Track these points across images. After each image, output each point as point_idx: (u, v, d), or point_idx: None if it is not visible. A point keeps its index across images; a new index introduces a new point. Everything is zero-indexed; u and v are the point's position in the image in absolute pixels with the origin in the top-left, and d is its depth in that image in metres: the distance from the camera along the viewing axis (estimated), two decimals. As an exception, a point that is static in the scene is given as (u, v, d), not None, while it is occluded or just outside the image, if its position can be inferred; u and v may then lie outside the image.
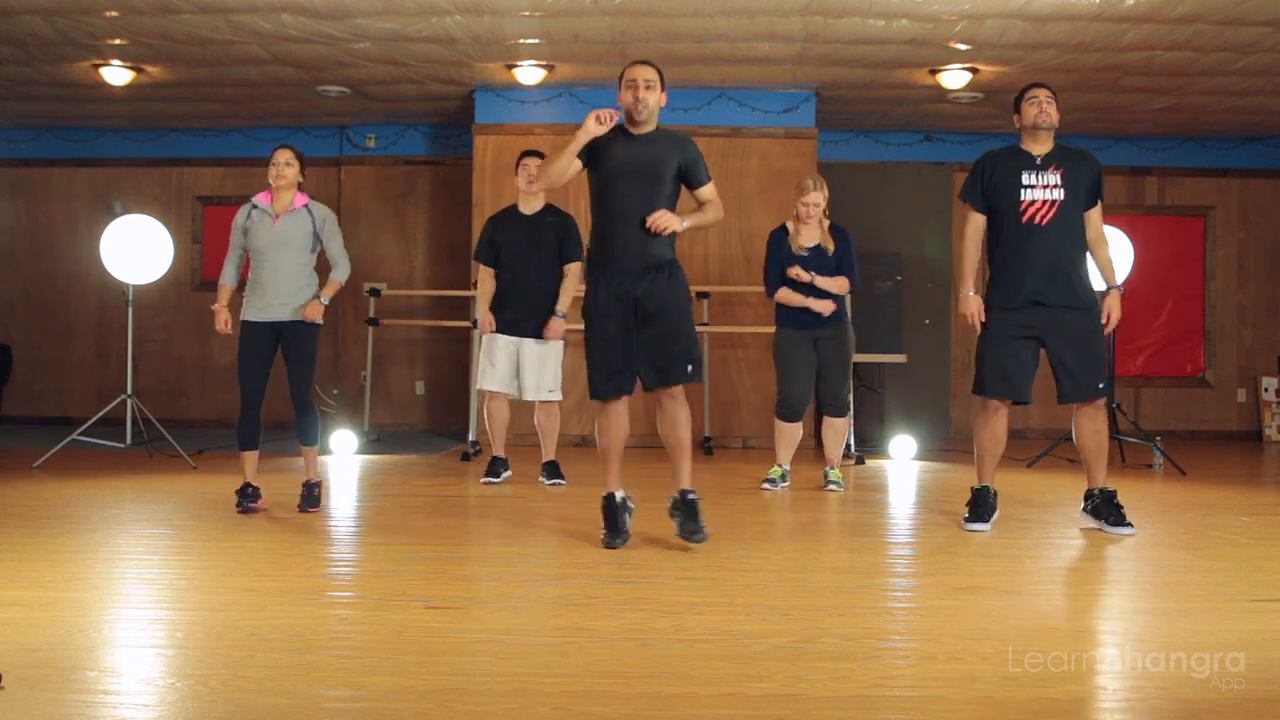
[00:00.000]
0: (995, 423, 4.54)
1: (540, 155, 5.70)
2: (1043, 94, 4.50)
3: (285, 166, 4.85)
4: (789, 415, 5.72)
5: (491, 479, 5.83)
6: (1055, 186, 4.41)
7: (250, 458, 4.89)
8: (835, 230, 5.69)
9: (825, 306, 5.56)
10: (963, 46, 6.94)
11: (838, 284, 5.61)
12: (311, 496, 4.88)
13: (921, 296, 9.01)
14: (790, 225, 5.67)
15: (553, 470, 5.86)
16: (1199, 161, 9.46)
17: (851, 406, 7.38)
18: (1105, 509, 4.52)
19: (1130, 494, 5.87)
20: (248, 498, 4.83)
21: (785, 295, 5.61)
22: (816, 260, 5.58)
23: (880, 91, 8.08)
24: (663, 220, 3.98)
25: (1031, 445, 7.94)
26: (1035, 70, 7.36)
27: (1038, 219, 4.41)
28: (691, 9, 6.43)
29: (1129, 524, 4.46)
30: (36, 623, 2.97)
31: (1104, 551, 4.28)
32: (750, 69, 7.69)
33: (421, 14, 6.53)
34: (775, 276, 5.64)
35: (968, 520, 4.57)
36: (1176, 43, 6.72)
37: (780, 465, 5.83)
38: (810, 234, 5.64)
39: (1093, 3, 6.13)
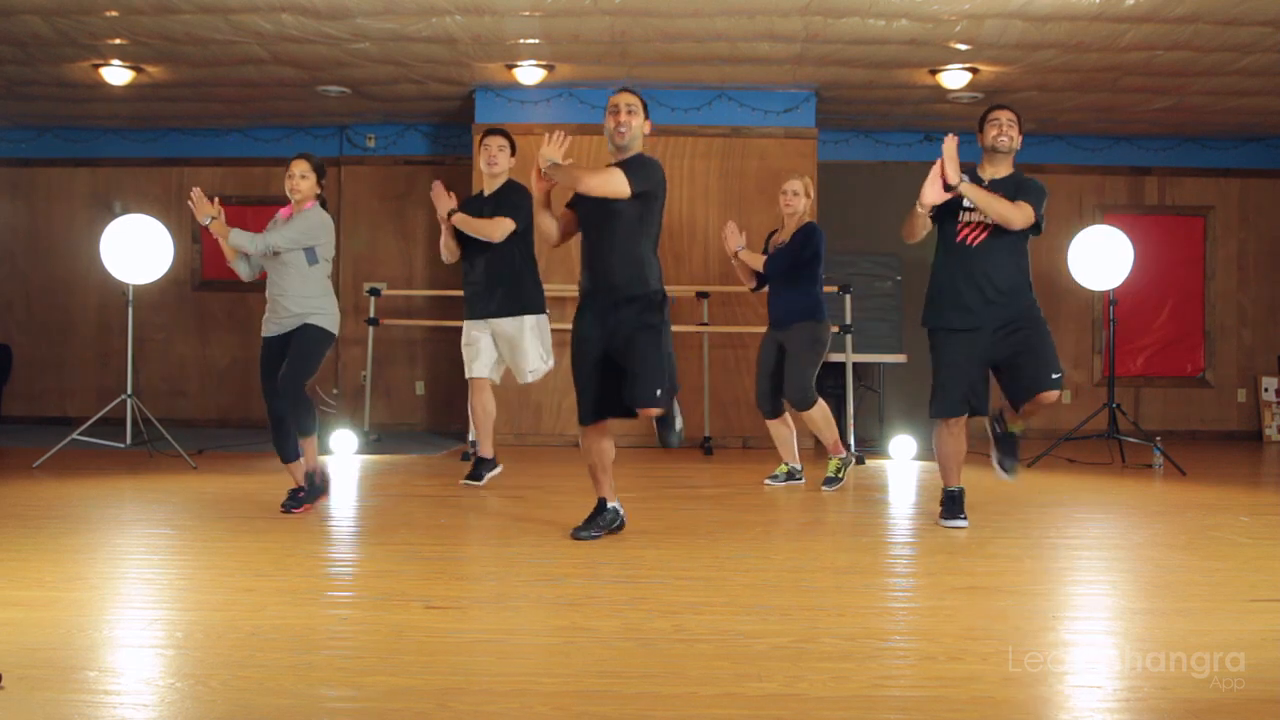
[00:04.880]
0: (956, 438, 4.66)
1: (503, 134, 5.58)
2: (1004, 116, 4.51)
3: (300, 179, 4.72)
4: (762, 412, 5.85)
5: (474, 482, 5.63)
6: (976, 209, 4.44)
7: (295, 467, 4.83)
8: (805, 226, 5.65)
9: (751, 260, 5.71)
10: (963, 46, 6.94)
11: (754, 260, 5.72)
12: (314, 487, 4.77)
13: (921, 296, 8.96)
14: (779, 228, 5.82)
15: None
16: (1199, 161, 9.46)
17: (849, 396, 7.39)
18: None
19: (1130, 494, 5.90)
20: (295, 500, 4.76)
21: (741, 274, 5.84)
22: (773, 256, 5.70)
23: (880, 91, 8.08)
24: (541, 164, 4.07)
25: (1031, 445, 7.92)
26: (1035, 70, 7.37)
27: (969, 240, 4.49)
28: (691, 9, 6.43)
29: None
30: (36, 623, 2.97)
31: (1104, 552, 4.29)
32: (750, 69, 7.69)
33: (421, 14, 6.53)
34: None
35: (946, 518, 4.65)
36: (1176, 43, 6.72)
37: (785, 464, 5.89)
38: (789, 230, 5.71)
39: (1093, 3, 6.13)
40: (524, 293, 5.55)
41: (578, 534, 4.25)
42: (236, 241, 4.67)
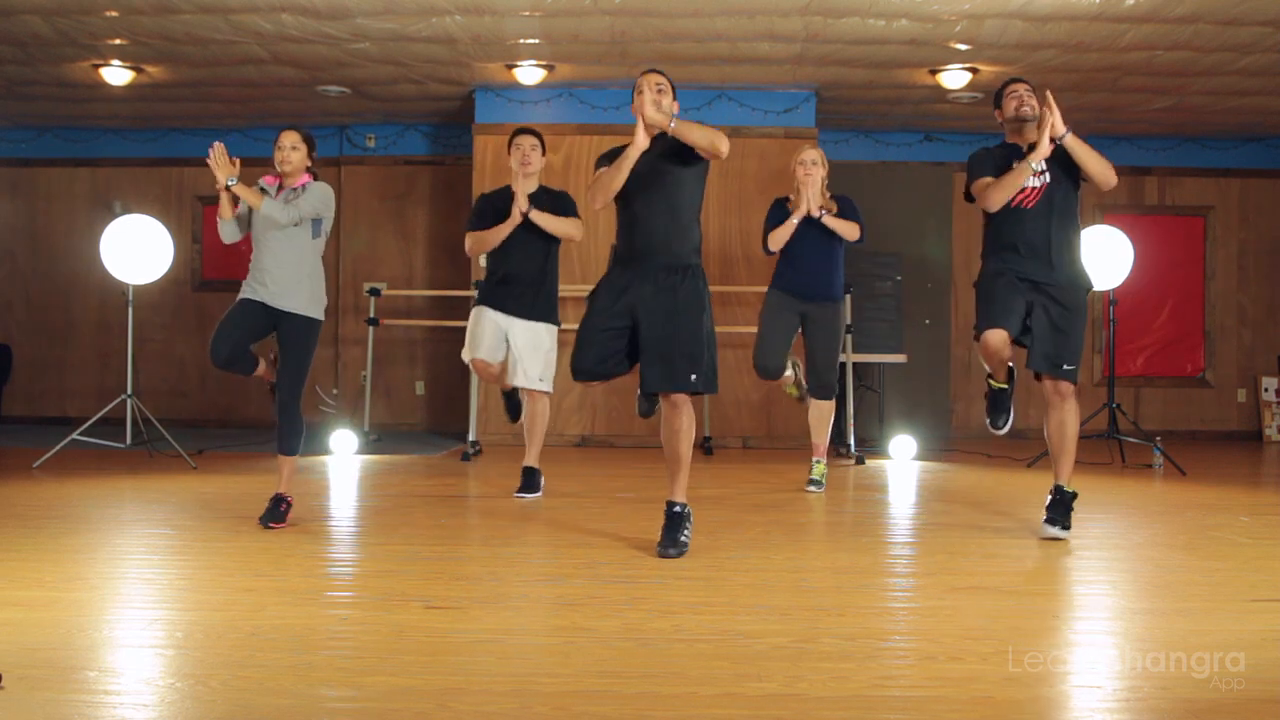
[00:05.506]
0: (997, 347, 4.36)
1: (534, 134, 5.38)
2: (1021, 87, 4.50)
3: (291, 150, 4.49)
4: (765, 372, 5.58)
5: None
6: (1041, 173, 4.39)
7: (255, 373, 4.59)
8: (838, 197, 5.55)
9: (839, 226, 5.42)
10: (963, 46, 6.94)
11: (848, 227, 5.45)
12: (277, 511, 4.43)
13: (921, 296, 9.01)
14: (791, 196, 5.55)
15: (527, 480, 5.42)
16: (1199, 161, 9.46)
17: (849, 396, 7.39)
18: (1051, 508, 4.36)
19: (1130, 494, 5.89)
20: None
21: (777, 235, 5.47)
22: (816, 224, 5.46)
23: (880, 91, 8.08)
24: (652, 114, 3.88)
25: (1031, 445, 7.93)
26: (1035, 70, 7.36)
27: (1025, 204, 4.40)
28: (691, 9, 6.43)
29: (1059, 526, 4.31)
30: (36, 623, 2.97)
31: (1104, 552, 4.29)
32: (750, 69, 7.69)
33: (421, 14, 6.53)
34: (769, 232, 5.53)
35: (991, 414, 4.67)
36: (1176, 43, 6.72)
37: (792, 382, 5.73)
38: (811, 200, 5.44)
39: (1093, 3, 6.13)
40: (554, 301, 5.47)
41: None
42: (269, 210, 4.43)
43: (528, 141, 5.34)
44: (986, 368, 4.64)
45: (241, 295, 4.56)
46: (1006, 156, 4.47)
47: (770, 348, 5.55)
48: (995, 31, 6.63)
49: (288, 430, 4.51)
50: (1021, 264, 4.38)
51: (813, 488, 5.69)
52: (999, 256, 4.45)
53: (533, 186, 5.37)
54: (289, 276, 4.49)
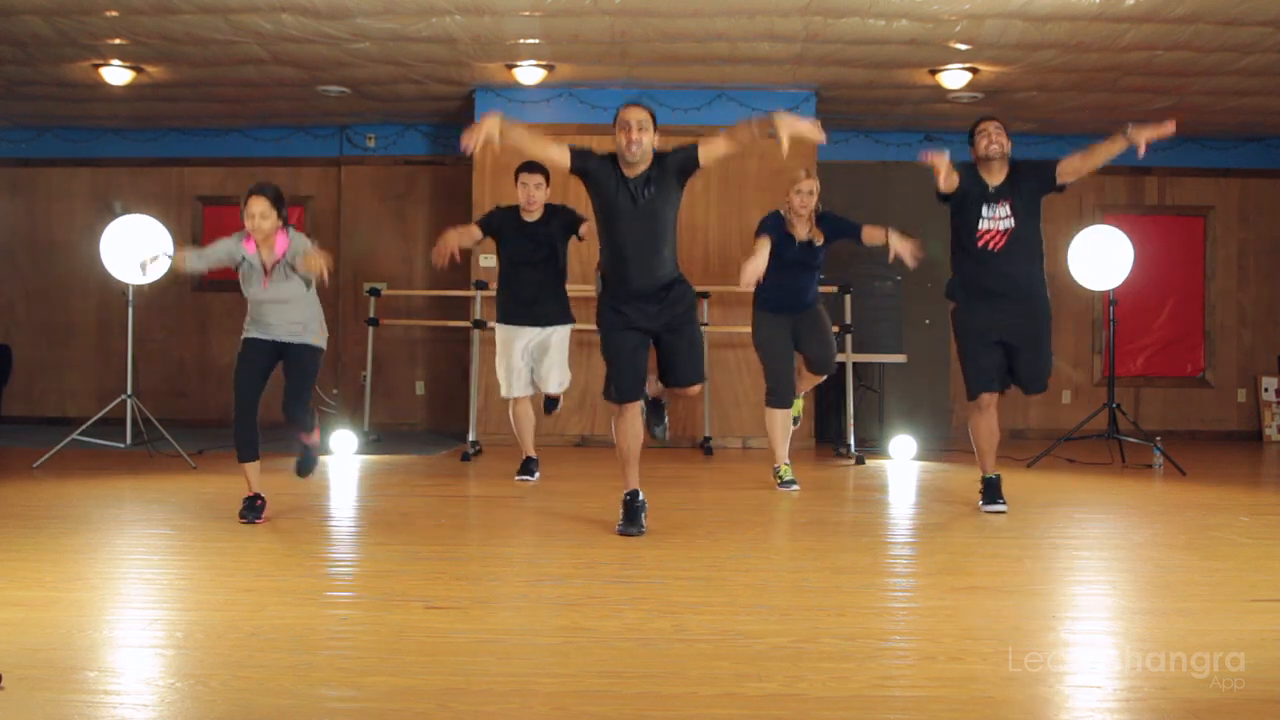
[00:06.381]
0: (989, 417, 4.95)
1: (538, 171, 5.53)
2: (992, 126, 4.90)
3: (261, 219, 4.48)
4: (781, 402, 5.69)
5: (526, 477, 5.88)
6: (1005, 217, 4.83)
7: (252, 469, 4.60)
8: (819, 218, 5.59)
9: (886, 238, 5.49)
10: (963, 46, 6.94)
11: (875, 232, 5.65)
12: (310, 458, 4.89)
13: (921, 296, 8.99)
14: (784, 214, 5.58)
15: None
16: (1199, 161, 9.45)
17: (849, 395, 7.39)
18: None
19: (1130, 494, 5.90)
20: (255, 510, 4.52)
21: (750, 270, 5.34)
22: (806, 254, 5.57)
23: (880, 91, 8.08)
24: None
25: (1031, 445, 7.94)
26: (1035, 70, 7.37)
27: (991, 246, 4.85)
28: (691, 9, 6.43)
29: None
30: (36, 623, 2.97)
31: (1104, 552, 4.29)
32: (750, 69, 7.69)
33: (421, 14, 6.52)
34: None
35: (986, 504, 4.94)
36: (1176, 43, 6.72)
37: (787, 464, 5.72)
38: (803, 227, 5.57)
39: (1093, 3, 6.13)
40: (567, 302, 5.81)
41: (628, 530, 4.31)
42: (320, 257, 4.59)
43: (532, 180, 5.59)
44: (975, 451, 5.03)
45: (246, 335, 4.70)
46: (972, 187, 4.86)
47: (784, 370, 5.73)
48: (995, 31, 6.63)
49: (303, 419, 4.74)
50: (992, 310, 4.84)
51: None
52: (968, 301, 4.92)
53: (539, 212, 5.66)
54: (292, 326, 4.65)
